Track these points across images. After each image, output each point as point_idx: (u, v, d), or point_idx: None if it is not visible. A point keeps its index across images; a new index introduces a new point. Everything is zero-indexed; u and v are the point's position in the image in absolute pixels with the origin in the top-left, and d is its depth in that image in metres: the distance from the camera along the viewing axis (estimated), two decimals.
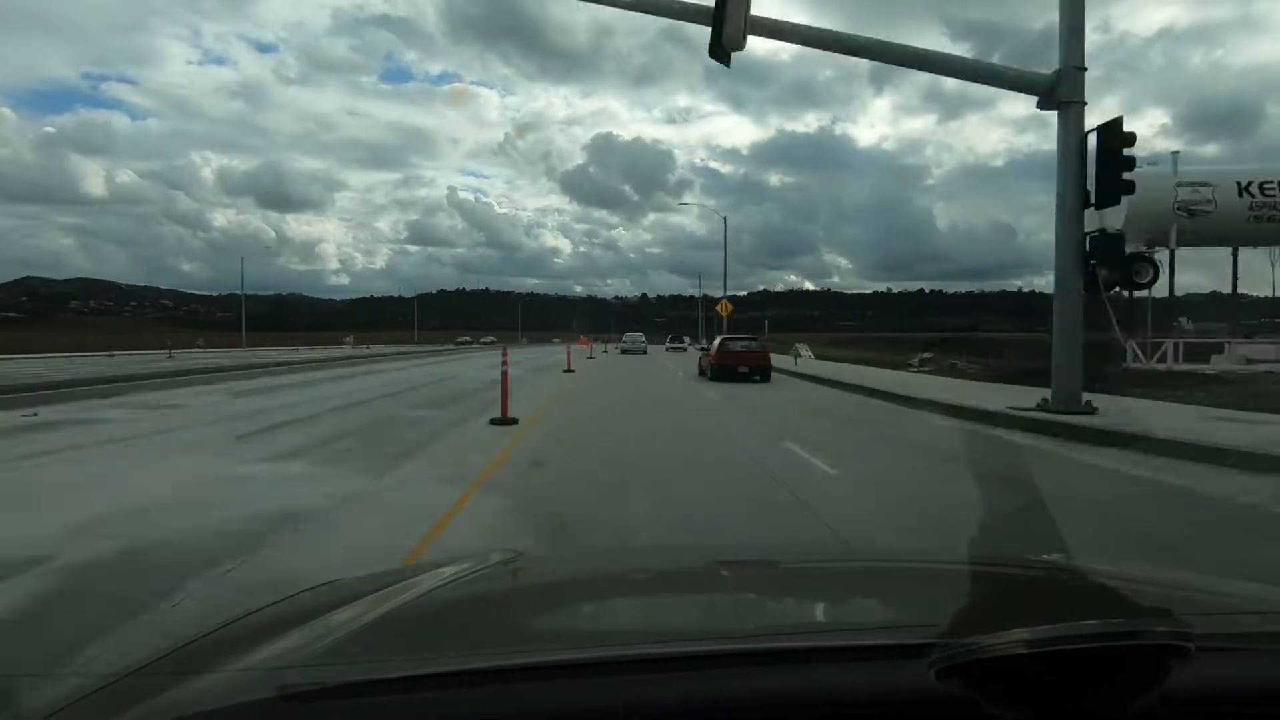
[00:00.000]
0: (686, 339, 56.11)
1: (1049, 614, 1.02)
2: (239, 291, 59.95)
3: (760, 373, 17.70)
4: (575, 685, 0.72)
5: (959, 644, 0.63)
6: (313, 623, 0.97)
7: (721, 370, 17.66)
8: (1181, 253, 19.60)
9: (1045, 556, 1.49)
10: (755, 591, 1.31)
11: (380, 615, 1.00)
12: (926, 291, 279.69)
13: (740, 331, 25.61)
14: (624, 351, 42.48)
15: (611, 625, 1.09)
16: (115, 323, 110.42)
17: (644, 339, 47.94)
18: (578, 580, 1.41)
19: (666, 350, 45.44)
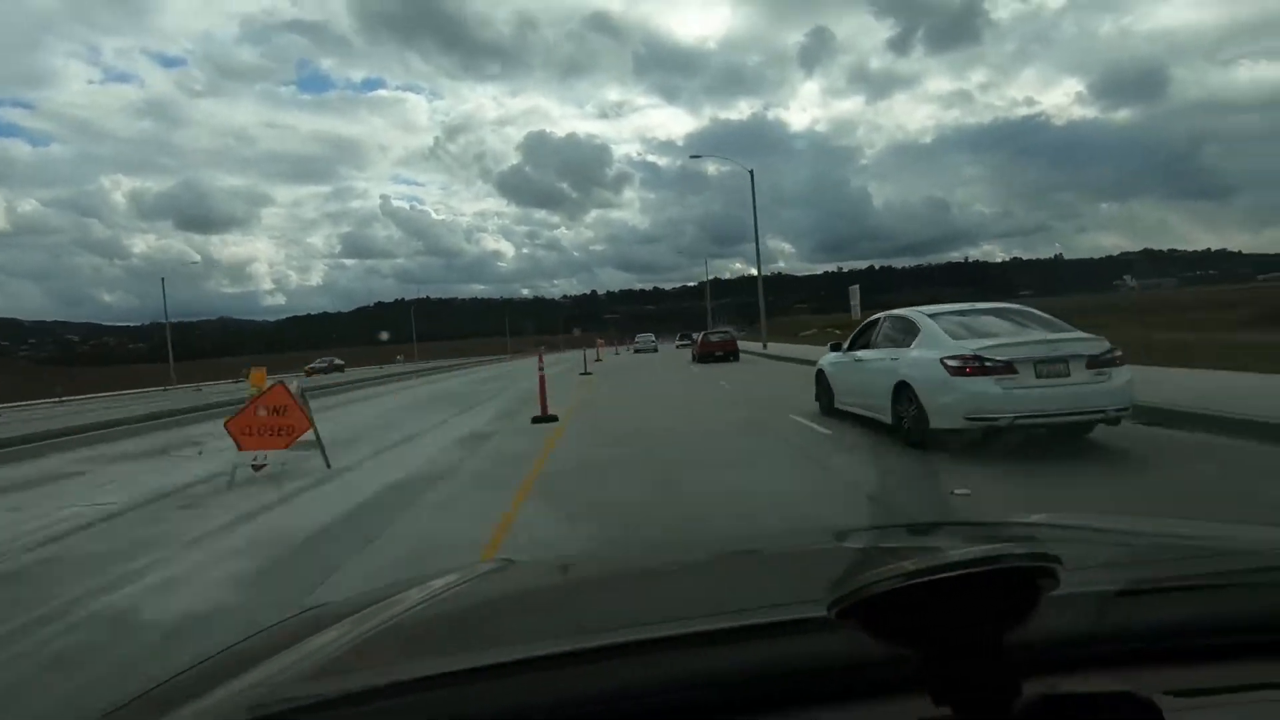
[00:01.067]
0: (695, 336, 58.88)
1: (940, 556, 1.10)
2: (163, 320, 56.09)
3: (730, 355, 26.51)
4: (543, 678, 0.77)
5: (853, 588, 0.68)
6: (293, 648, 1.00)
7: (704, 355, 26.91)
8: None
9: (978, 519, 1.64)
10: (711, 580, 1.37)
11: (360, 634, 1.04)
12: (876, 268, 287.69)
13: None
14: (638, 351, 51.39)
15: (587, 620, 1.14)
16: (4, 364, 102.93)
17: (654, 339, 59.63)
18: (556, 584, 1.47)
19: (676, 347, 53.55)
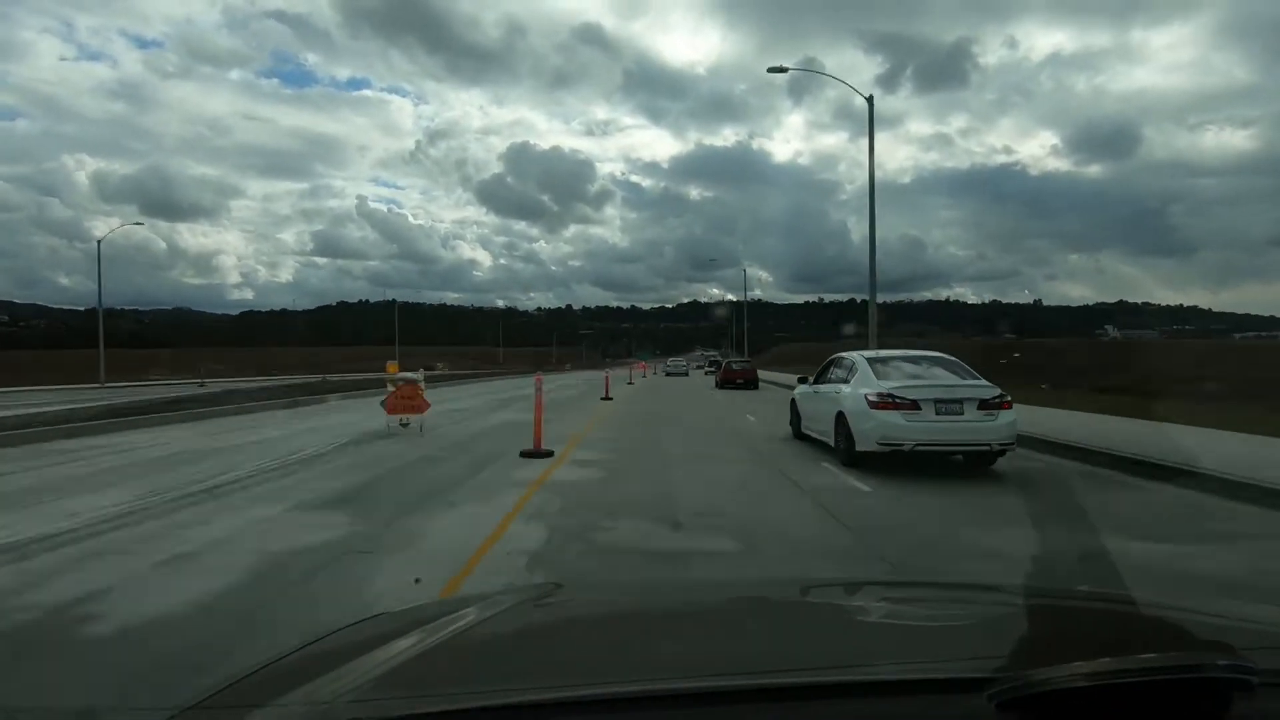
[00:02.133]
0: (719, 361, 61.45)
1: (1107, 646, 1.06)
2: (124, 307, 55.40)
3: (750, 383, 29.51)
4: None
5: (1018, 676, 0.65)
6: (362, 657, 1.06)
7: (725, 382, 29.77)
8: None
9: (1092, 589, 1.56)
10: (803, 622, 1.35)
11: (427, 649, 1.11)
12: (858, 301, 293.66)
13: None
14: (669, 374, 55.45)
15: (656, 659, 1.12)
16: None
17: (685, 362, 66.07)
18: (620, 614, 1.47)
19: (706, 372, 57.80)
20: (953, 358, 8.71)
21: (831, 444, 8.78)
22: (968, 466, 7.93)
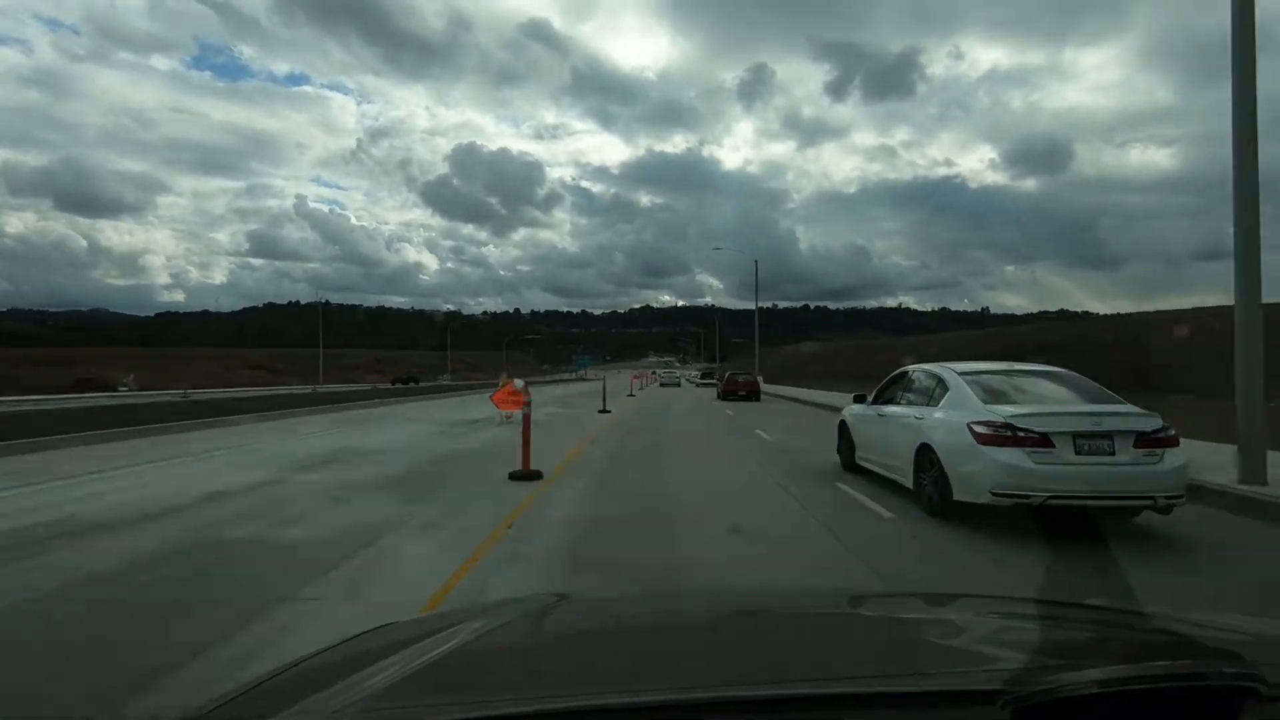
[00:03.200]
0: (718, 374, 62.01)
1: (1118, 656, 1.14)
2: (35, 307, 51.32)
3: (752, 395, 30.18)
4: None
5: (1031, 685, 0.68)
6: (373, 665, 1.05)
7: (728, 393, 30.39)
8: None
9: (1102, 601, 1.61)
10: (812, 633, 1.35)
11: (432, 660, 1.09)
12: (811, 308, 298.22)
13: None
14: (663, 385, 57.11)
15: (667, 670, 1.11)
16: None
17: (679, 374, 72.69)
18: (629, 625, 1.46)
19: (697, 385, 56.69)
20: (1078, 375, 6.84)
21: (908, 485, 6.85)
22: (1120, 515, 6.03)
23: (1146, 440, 5.63)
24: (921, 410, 6.91)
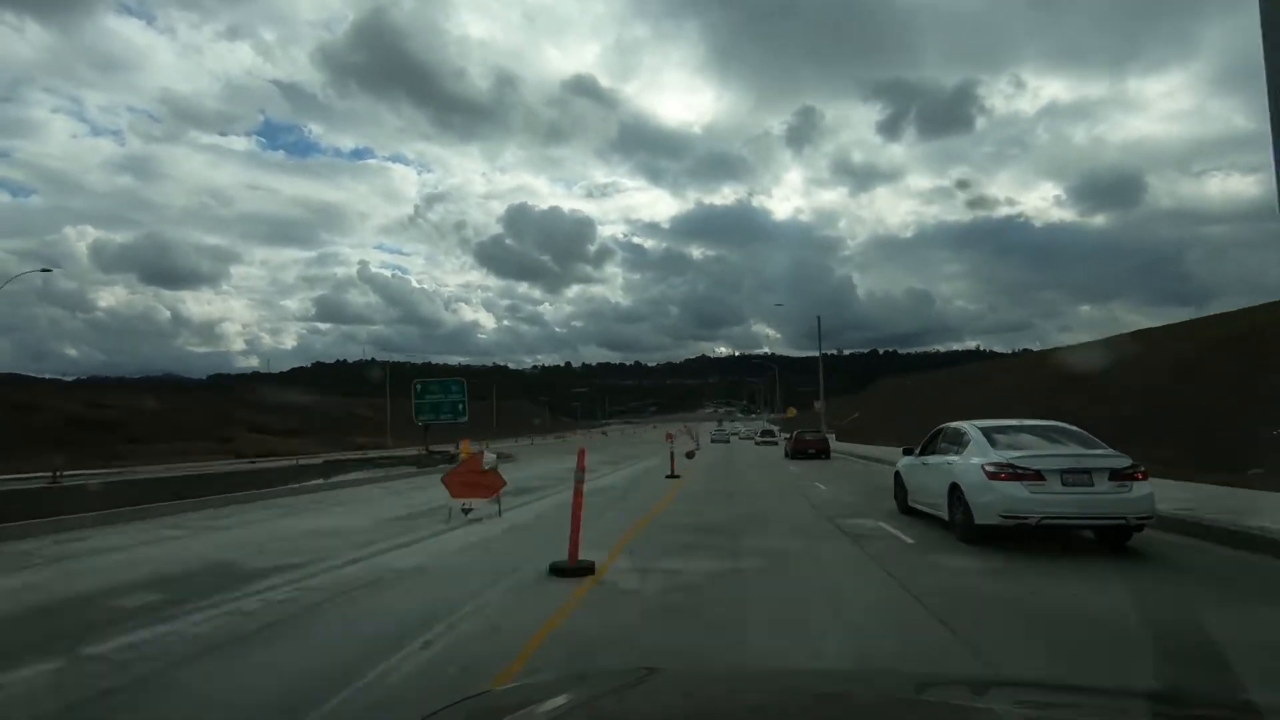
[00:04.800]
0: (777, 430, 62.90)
1: None
2: (104, 375, 55.89)
3: (822, 453, 31.52)
4: None
5: None
6: None
7: (797, 453, 31.94)
8: None
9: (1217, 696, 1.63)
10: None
11: None
12: (880, 353, 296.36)
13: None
14: (714, 440, 63.39)
15: None
16: None
17: (728, 431, 79.96)
18: (725, 707, 1.53)
19: (756, 443, 55.21)
20: (1075, 427, 9.15)
21: (946, 518, 9.17)
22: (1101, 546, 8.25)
23: (1119, 475, 7.90)
24: (952, 458, 9.29)
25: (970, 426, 9.42)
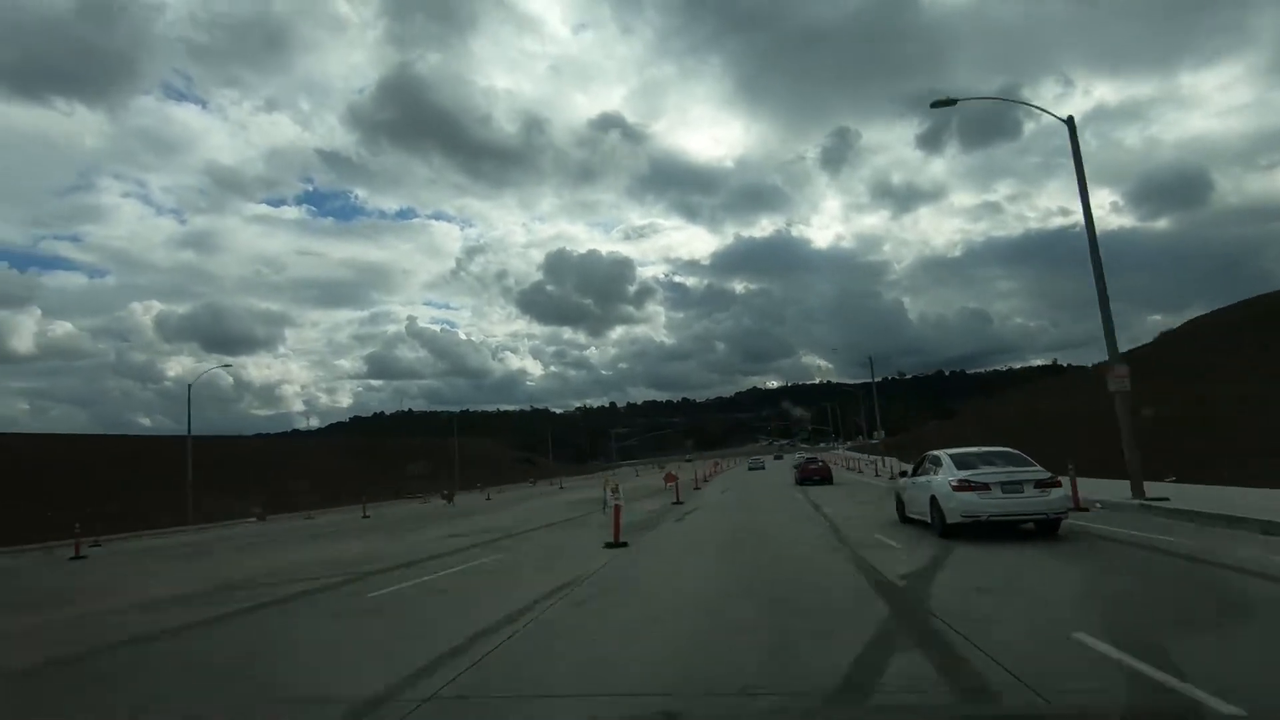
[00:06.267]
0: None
1: None
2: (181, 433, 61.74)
3: (825, 480, 36.86)
4: None
5: None
6: None
7: (804, 479, 37.31)
8: None
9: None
10: None
11: None
12: (946, 374, 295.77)
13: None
14: (750, 469, 75.26)
15: None
16: None
17: (763, 460, 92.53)
18: None
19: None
20: (1015, 450, 13.34)
21: (929, 522, 13.35)
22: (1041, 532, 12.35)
23: (1041, 484, 12.09)
24: (931, 478, 13.51)
25: (944, 454, 13.65)
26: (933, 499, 13.16)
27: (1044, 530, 12.37)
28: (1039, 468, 12.61)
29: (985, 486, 12.16)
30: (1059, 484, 12.30)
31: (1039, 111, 20.66)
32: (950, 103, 19.33)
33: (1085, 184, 18.36)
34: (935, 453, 14.29)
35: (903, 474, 15.98)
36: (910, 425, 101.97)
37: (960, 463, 13.05)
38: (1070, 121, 18.78)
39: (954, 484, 12.46)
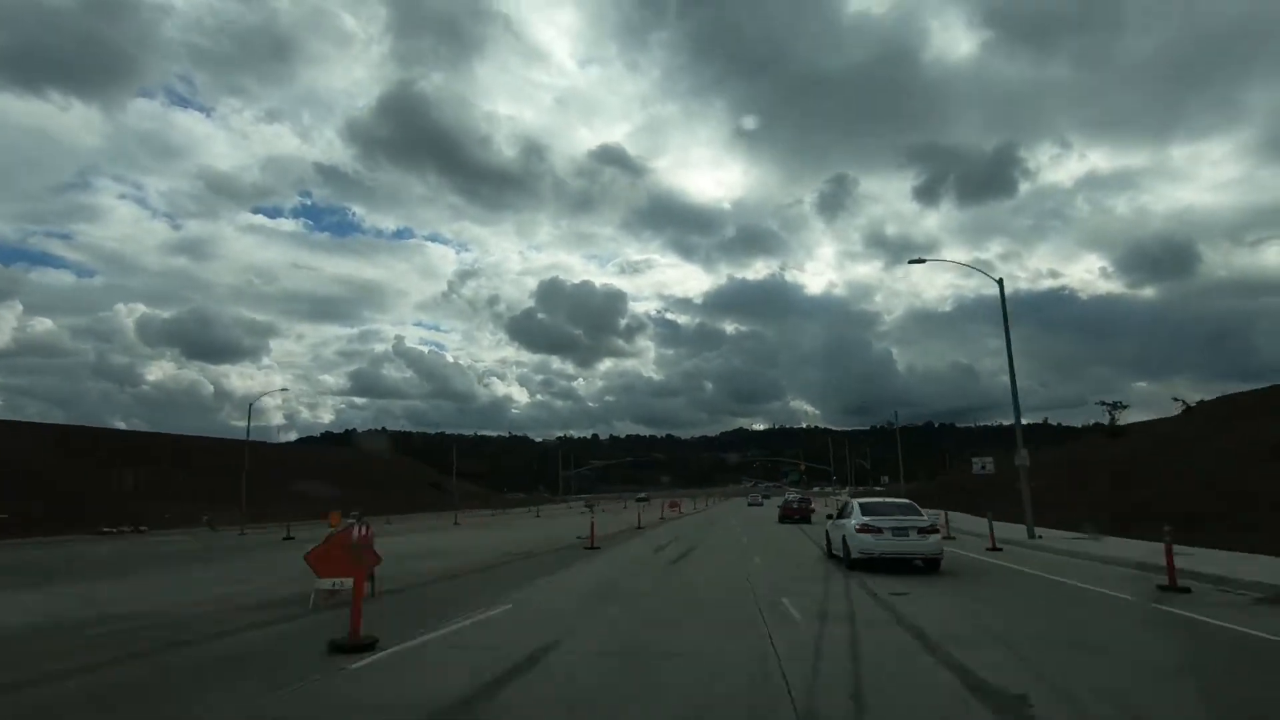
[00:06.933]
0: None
1: None
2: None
3: (805, 518, 42.70)
4: None
5: None
6: None
7: (785, 517, 43.60)
8: None
9: None
10: None
11: None
12: (936, 425, 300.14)
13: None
14: (750, 504, 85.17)
15: None
16: None
17: (762, 498, 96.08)
18: None
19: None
20: (909, 501, 17.14)
21: (843, 556, 17.03)
22: (928, 571, 16.00)
23: (923, 530, 15.81)
24: (845, 521, 17.23)
25: (856, 502, 17.39)
26: (844, 539, 16.87)
27: (929, 567, 16.02)
28: (924, 517, 16.35)
29: (880, 530, 15.87)
30: (937, 531, 16.05)
31: (979, 274, 25.83)
32: (920, 261, 27.94)
33: (1010, 336, 25.13)
34: (852, 500, 18.03)
35: (829, 517, 19.77)
36: (918, 474, 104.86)
37: (865, 510, 16.79)
38: (1000, 283, 25.50)
39: (858, 527, 16.18)
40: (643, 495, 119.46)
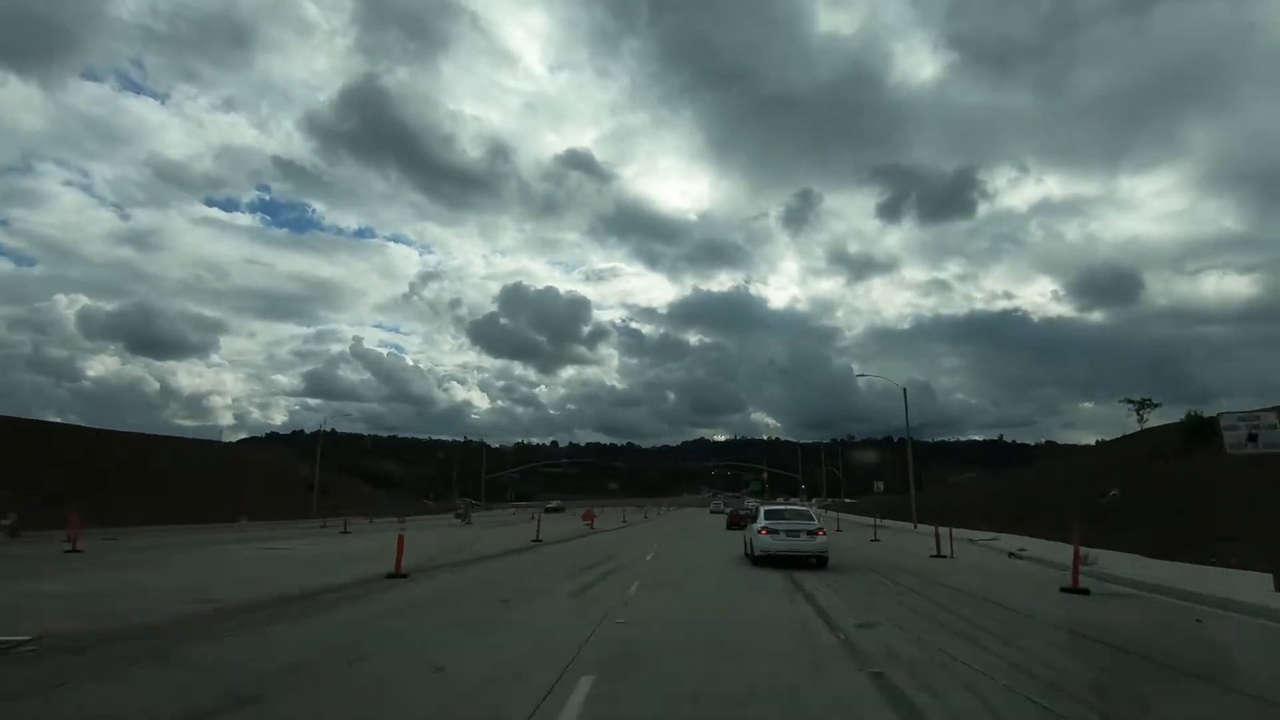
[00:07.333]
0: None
1: None
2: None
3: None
4: None
5: None
6: None
7: (732, 524, 44.46)
8: None
9: None
10: None
11: None
12: (894, 440, 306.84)
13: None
14: (713, 512, 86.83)
15: None
16: None
17: (725, 505, 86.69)
18: None
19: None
20: (804, 508, 20.71)
21: (750, 555, 20.44)
22: (819, 566, 19.39)
23: (811, 533, 19.34)
24: (753, 524, 20.70)
25: (761, 507, 20.90)
26: (749, 538, 20.32)
27: (820, 563, 19.44)
28: (815, 521, 19.89)
29: (776, 532, 19.34)
30: (823, 533, 19.58)
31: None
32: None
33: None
34: (760, 507, 21.52)
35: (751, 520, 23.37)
36: (894, 486, 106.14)
37: (767, 514, 20.32)
38: (904, 391, 27.87)
39: (759, 530, 19.64)
40: (554, 504, 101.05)
